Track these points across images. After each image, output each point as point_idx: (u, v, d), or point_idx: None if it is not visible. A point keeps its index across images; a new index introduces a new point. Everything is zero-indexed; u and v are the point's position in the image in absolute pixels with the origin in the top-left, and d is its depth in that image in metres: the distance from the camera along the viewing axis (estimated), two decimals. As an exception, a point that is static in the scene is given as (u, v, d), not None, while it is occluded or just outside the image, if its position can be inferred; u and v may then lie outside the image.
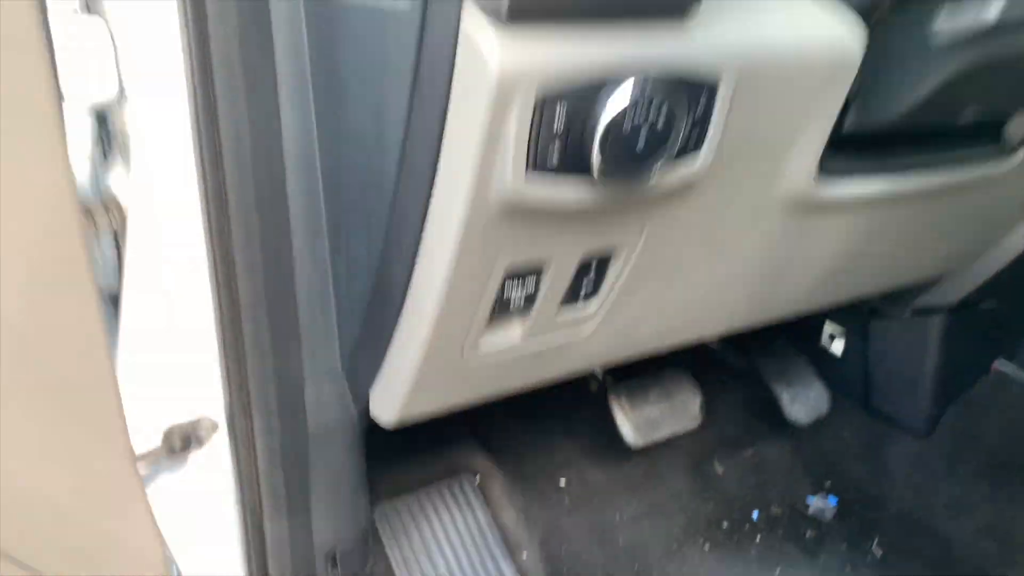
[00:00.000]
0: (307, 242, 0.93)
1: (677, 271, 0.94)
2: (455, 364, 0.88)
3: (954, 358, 1.56)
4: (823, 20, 0.79)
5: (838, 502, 1.71)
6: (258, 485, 1.02)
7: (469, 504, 1.52)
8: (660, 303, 1.00)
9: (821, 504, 1.71)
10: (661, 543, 1.60)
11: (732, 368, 1.82)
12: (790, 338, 1.81)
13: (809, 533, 1.65)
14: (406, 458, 1.56)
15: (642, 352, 1.11)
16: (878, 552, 1.60)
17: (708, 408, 1.71)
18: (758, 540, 1.63)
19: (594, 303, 0.91)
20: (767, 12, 0.76)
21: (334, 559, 1.12)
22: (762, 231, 0.95)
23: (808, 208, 0.94)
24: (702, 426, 1.74)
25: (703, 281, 0.99)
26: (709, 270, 0.97)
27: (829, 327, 1.75)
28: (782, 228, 0.96)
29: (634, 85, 0.66)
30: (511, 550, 1.49)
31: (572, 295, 0.89)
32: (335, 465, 1.06)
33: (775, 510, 1.71)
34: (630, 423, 1.52)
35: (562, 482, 1.66)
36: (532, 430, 1.74)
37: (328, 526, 1.09)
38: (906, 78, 0.85)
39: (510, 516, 1.54)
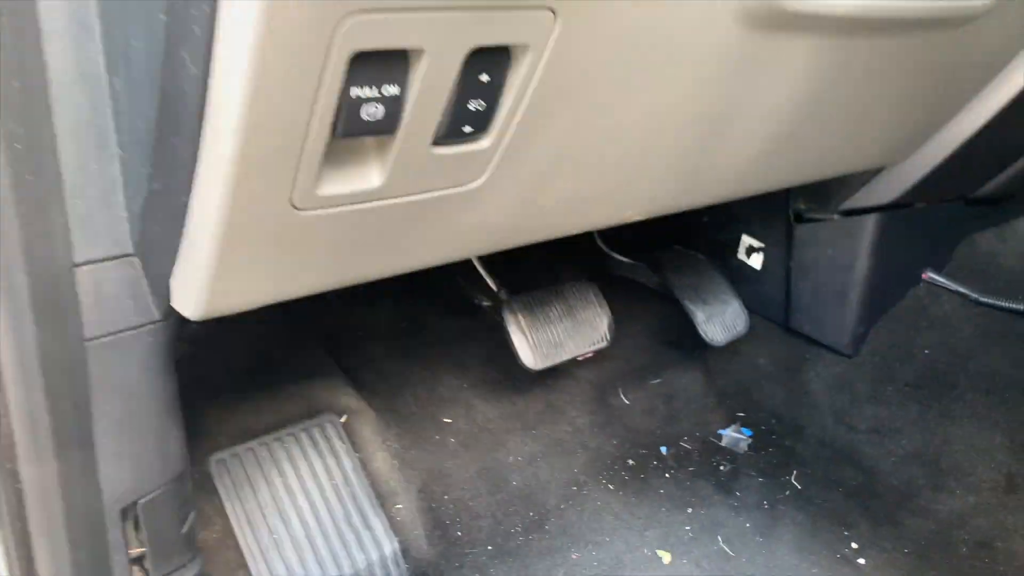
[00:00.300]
0: (69, 41, 0.63)
1: (599, 96, 0.69)
2: (284, 217, 0.61)
3: (885, 265, 1.40)
4: None
5: (753, 432, 1.54)
6: (7, 414, 0.71)
7: (332, 449, 1.24)
8: (574, 152, 0.75)
9: (735, 435, 1.53)
10: (559, 485, 1.38)
11: (642, 286, 1.61)
12: (706, 251, 1.61)
13: (723, 467, 1.48)
14: (253, 396, 1.27)
15: (548, 230, 0.86)
16: (797, 484, 1.43)
17: (614, 332, 1.50)
18: (667, 477, 1.44)
19: (487, 138, 0.65)
20: None
21: (134, 516, 0.82)
22: (710, 49, 0.72)
23: (769, 20, 0.71)
24: (606, 352, 1.52)
25: (631, 120, 0.75)
26: (640, 101, 0.73)
27: (747, 239, 1.57)
28: (734, 48, 0.73)
29: None
30: (383, 500, 1.23)
31: (455, 125, 0.62)
32: (129, 384, 0.77)
33: (686, 444, 1.52)
34: (529, 343, 1.28)
35: (446, 420, 1.41)
36: (411, 361, 1.48)
37: (123, 469, 0.79)
38: None
39: (383, 461, 1.28)
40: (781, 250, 1.50)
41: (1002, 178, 1.40)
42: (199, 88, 0.54)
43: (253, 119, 0.53)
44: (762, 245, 1.54)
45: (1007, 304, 1.38)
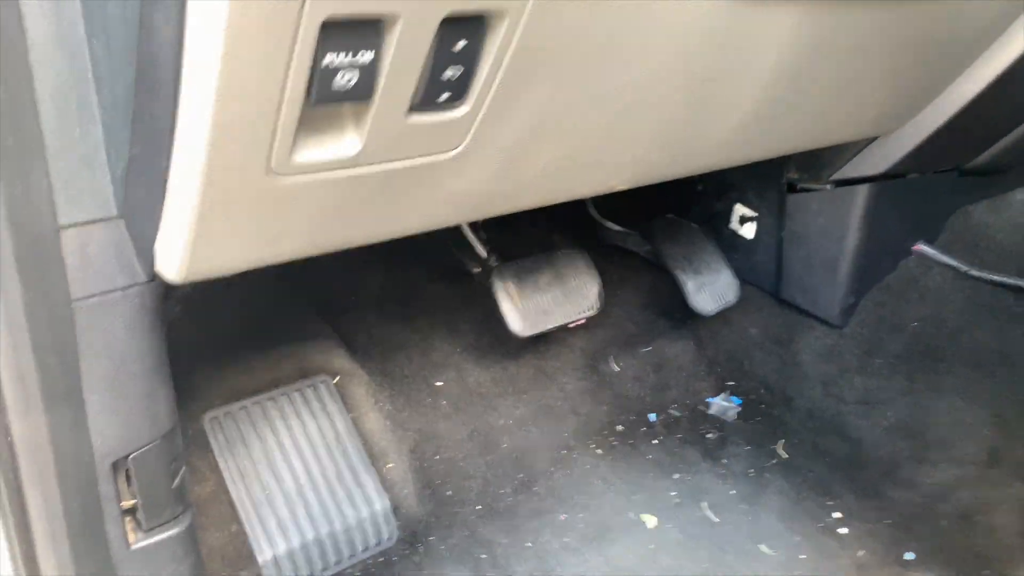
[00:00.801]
0: (49, 6, 0.64)
1: (579, 65, 0.70)
2: (261, 183, 0.62)
3: (876, 237, 1.40)
4: None
5: (742, 401, 1.56)
6: (-3, 369, 0.73)
7: (324, 409, 1.27)
8: (556, 120, 0.75)
9: (724, 404, 1.55)
10: (549, 448, 1.41)
11: (634, 255, 1.62)
12: (700, 220, 1.62)
13: (710, 435, 1.50)
14: (246, 357, 1.29)
15: (532, 198, 0.87)
16: (783, 454, 1.45)
17: (606, 301, 1.51)
18: (655, 443, 1.46)
19: (464, 105, 0.66)
20: None
21: (125, 470, 0.85)
22: (694, 19, 0.72)
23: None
24: (598, 320, 1.54)
25: (614, 88, 0.75)
26: (623, 70, 0.73)
27: (740, 209, 1.57)
28: (720, 18, 0.73)
29: None
30: (374, 460, 1.26)
31: (432, 93, 0.63)
32: (116, 343, 0.78)
33: (675, 411, 1.54)
34: (517, 310, 1.30)
35: (439, 384, 1.43)
36: (405, 325, 1.50)
37: (112, 425, 0.81)
38: None
39: (375, 421, 1.31)
40: (773, 219, 1.50)
41: (996, 149, 1.39)
42: (174, 54, 0.55)
43: (226, 86, 0.53)
44: (755, 214, 1.54)
45: (996, 277, 1.39)
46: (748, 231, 1.56)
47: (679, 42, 0.73)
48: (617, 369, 1.56)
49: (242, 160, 0.59)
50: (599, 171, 0.89)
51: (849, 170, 1.35)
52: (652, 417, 1.52)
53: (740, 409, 1.55)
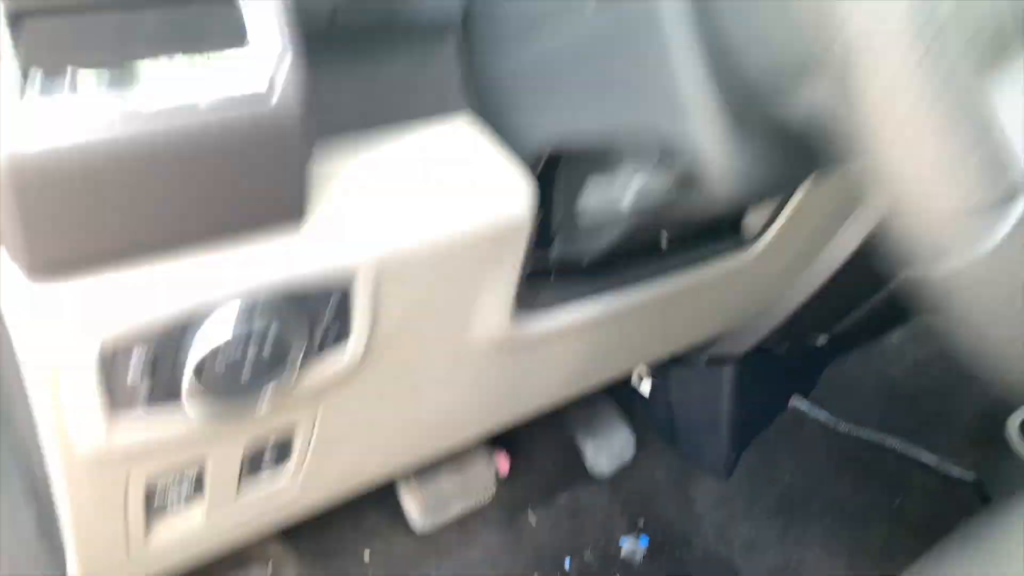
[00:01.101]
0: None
1: (383, 419, 0.88)
2: (123, 563, 0.80)
3: (749, 402, 1.57)
4: (478, 182, 0.72)
5: (649, 542, 1.72)
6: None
7: (259, 597, 1.45)
8: (378, 441, 0.93)
9: (632, 546, 1.71)
10: (468, 609, 1.58)
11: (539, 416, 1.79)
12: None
13: (618, 578, 1.66)
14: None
15: (385, 476, 1.05)
16: (683, 597, 1.62)
17: (519, 457, 1.68)
18: (568, 594, 1.63)
19: (287, 468, 0.84)
20: (406, 194, 0.69)
21: None
22: (469, 371, 0.89)
23: (517, 346, 0.89)
24: (517, 474, 1.71)
25: (420, 415, 0.93)
26: (422, 407, 0.91)
27: (639, 367, 1.74)
28: (494, 363, 0.91)
29: (238, 311, 0.59)
30: (305, 642, 1.44)
31: (253, 480, 0.81)
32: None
33: (588, 556, 1.70)
34: (417, 503, 1.48)
35: (366, 555, 1.61)
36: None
37: None
38: (589, 225, 0.79)
39: (305, 604, 1.48)
40: (664, 382, 1.67)
41: (853, 318, 1.55)
42: (44, 480, 0.74)
43: (77, 522, 0.72)
44: (650, 375, 1.71)
45: (857, 433, 1.55)
46: (645, 388, 1.73)
47: (464, 383, 0.91)
48: (535, 519, 1.73)
49: (104, 554, 0.78)
50: (449, 439, 1.07)
51: (718, 349, 1.52)
52: (567, 563, 1.69)
53: (647, 550, 1.71)
